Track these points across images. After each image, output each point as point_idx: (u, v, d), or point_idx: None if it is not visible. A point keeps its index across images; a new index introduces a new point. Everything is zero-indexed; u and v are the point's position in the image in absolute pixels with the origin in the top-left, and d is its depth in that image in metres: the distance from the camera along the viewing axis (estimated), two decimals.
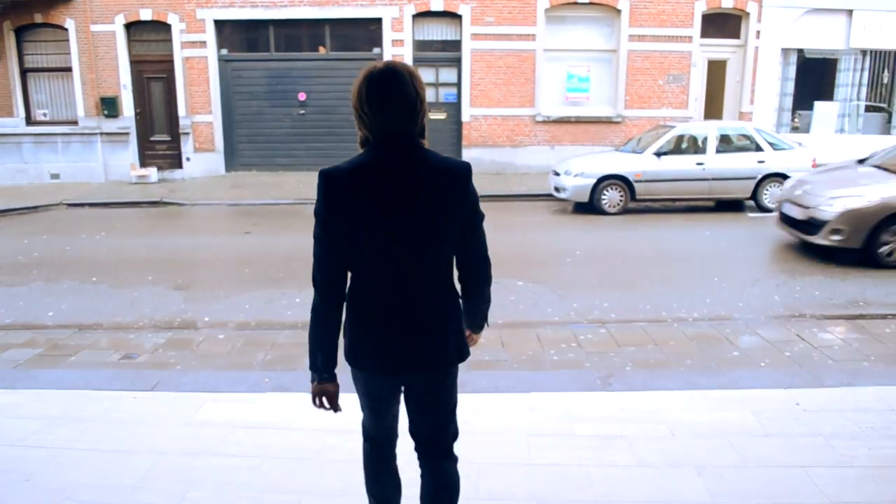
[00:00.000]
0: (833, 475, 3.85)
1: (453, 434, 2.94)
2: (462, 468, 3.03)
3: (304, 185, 15.69)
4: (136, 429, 4.49)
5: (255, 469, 3.95)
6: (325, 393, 2.73)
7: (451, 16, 16.81)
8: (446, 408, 2.89)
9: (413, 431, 2.91)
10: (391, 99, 2.48)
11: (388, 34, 16.74)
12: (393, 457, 3.06)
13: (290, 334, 6.72)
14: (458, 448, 2.98)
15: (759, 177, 12.92)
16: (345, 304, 2.68)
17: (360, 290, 2.64)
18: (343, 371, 2.76)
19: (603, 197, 12.83)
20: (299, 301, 7.87)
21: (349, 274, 2.62)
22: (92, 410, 4.76)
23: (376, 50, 16.92)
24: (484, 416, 4.61)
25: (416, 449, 2.94)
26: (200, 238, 11.74)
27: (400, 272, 2.58)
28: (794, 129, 17.68)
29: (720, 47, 17.28)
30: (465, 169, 2.61)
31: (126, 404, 4.86)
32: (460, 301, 2.78)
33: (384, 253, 2.55)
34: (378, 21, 16.77)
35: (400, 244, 2.54)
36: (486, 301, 2.88)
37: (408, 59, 16.74)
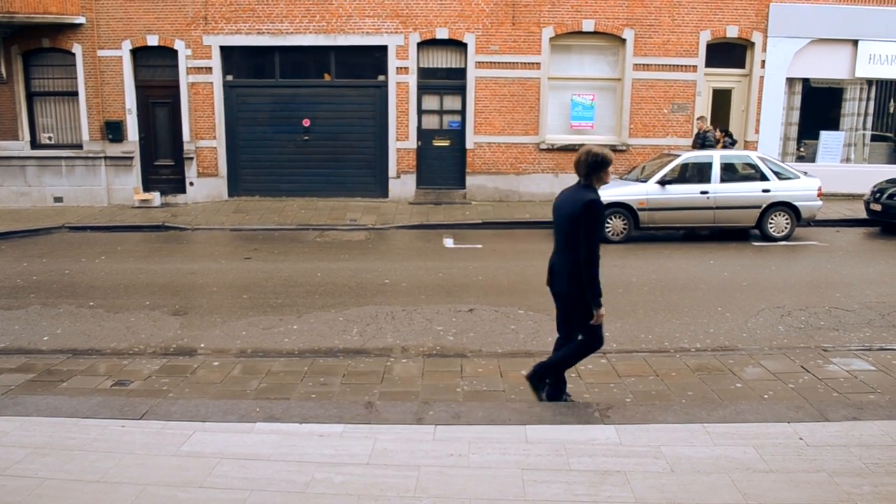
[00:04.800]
0: None
1: (584, 334, 5.31)
2: (452, 503, 3.37)
3: (305, 212, 15.68)
4: (122, 459, 4.39)
5: (241, 503, 3.84)
6: None
7: (457, 44, 16.86)
8: (573, 323, 5.35)
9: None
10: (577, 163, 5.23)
11: (393, 62, 16.79)
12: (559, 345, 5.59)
13: (286, 362, 6.64)
14: (450, 480, 3.98)
15: (764, 205, 12.84)
16: None
17: None
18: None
19: (606, 225, 12.75)
20: (297, 328, 7.79)
21: None
22: (78, 439, 4.67)
23: (381, 77, 16.97)
24: (478, 448, 4.50)
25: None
26: (200, 263, 11.68)
27: (555, 244, 5.35)
28: (800, 158, 17.61)
29: (725, 76, 17.28)
30: (583, 203, 4.97)
31: (113, 433, 4.76)
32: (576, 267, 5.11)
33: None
34: (383, 49, 16.82)
35: (555, 230, 5.36)
36: (586, 277, 5.07)
37: (412, 87, 16.81)
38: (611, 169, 5.20)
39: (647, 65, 16.81)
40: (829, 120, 17.79)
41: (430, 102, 17.16)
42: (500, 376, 6.21)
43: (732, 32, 16.79)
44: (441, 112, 17.26)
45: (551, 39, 16.74)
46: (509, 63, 16.78)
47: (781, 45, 16.85)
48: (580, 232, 4.99)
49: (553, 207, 5.38)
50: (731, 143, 15.59)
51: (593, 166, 5.08)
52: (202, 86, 16.90)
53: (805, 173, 13.65)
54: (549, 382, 5.47)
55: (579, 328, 5.31)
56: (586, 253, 4.99)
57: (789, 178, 13.10)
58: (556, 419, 5.00)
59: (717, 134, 15.45)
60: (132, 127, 17.00)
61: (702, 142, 15.40)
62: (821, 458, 4.37)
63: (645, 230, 13.09)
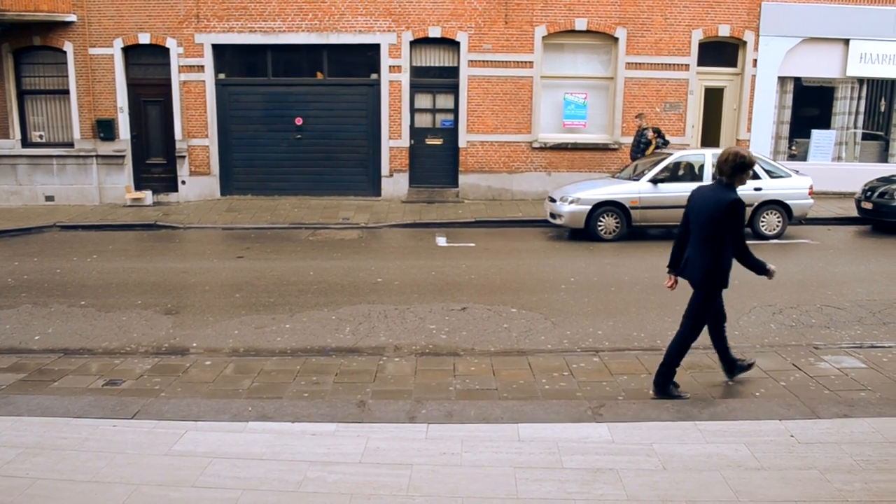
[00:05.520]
0: None
1: (689, 321, 5.69)
2: (445, 502, 3.59)
3: (298, 210, 15.66)
4: (113, 458, 4.38)
5: (233, 502, 3.83)
6: None
7: (449, 42, 16.86)
8: (690, 306, 5.71)
9: None
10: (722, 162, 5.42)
11: (385, 60, 16.77)
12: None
13: (278, 361, 6.62)
14: (443, 479, 3.94)
15: (756, 204, 12.87)
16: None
17: None
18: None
19: (599, 223, 12.77)
20: (289, 327, 7.78)
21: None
22: (70, 439, 4.65)
23: (374, 76, 16.95)
24: (471, 447, 4.50)
25: None
26: (192, 262, 11.65)
27: (692, 238, 5.63)
28: (792, 157, 17.68)
29: (717, 75, 17.32)
30: (727, 204, 5.20)
31: (105, 433, 4.75)
32: (711, 261, 5.49)
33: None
34: (376, 47, 16.81)
35: (692, 226, 5.60)
36: (748, 266, 5.52)
37: (405, 85, 16.80)
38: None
39: (640, 63, 16.85)
40: (821, 119, 17.87)
41: (423, 101, 17.16)
42: (492, 375, 6.21)
43: (724, 31, 16.84)
44: (434, 111, 17.25)
45: (544, 38, 16.75)
46: (502, 62, 16.79)
47: (773, 44, 16.91)
48: (725, 232, 5.28)
49: (689, 201, 5.66)
50: (664, 144, 15.43)
51: (739, 168, 5.31)
52: (194, 84, 16.86)
53: (797, 172, 13.69)
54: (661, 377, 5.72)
55: (691, 314, 5.68)
56: (738, 250, 5.36)
57: (781, 177, 13.15)
58: (548, 417, 5.01)
59: (651, 134, 15.39)
60: (124, 125, 16.94)
61: (637, 141, 15.43)
62: (812, 455, 4.39)
63: (637, 228, 13.11)
